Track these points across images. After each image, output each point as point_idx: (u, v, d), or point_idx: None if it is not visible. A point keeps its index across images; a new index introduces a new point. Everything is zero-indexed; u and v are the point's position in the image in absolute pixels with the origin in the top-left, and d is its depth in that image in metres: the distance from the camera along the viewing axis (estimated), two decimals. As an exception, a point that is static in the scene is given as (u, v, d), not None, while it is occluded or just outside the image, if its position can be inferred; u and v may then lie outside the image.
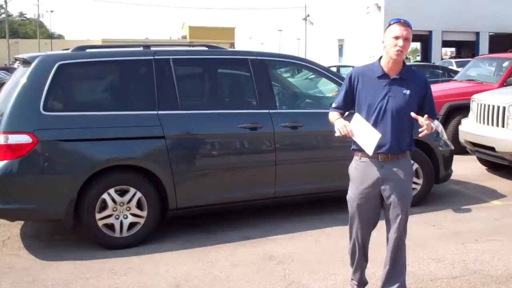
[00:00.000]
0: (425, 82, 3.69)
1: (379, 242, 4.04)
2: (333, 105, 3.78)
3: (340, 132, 3.54)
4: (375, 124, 3.55)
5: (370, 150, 3.52)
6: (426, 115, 3.50)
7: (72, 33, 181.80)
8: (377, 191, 3.65)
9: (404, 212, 3.64)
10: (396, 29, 3.48)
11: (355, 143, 3.63)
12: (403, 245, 3.74)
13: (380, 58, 3.65)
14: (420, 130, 3.47)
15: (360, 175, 3.67)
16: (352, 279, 4.03)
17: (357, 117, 3.58)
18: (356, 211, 3.72)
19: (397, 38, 3.46)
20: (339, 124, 3.58)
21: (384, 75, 3.57)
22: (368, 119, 3.56)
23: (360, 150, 3.62)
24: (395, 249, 3.70)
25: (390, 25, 3.56)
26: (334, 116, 3.72)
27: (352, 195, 3.72)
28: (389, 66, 3.56)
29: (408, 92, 3.56)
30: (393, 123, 3.54)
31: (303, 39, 50.55)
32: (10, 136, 4.80)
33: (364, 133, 3.54)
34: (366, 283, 3.99)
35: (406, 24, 3.49)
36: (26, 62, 5.28)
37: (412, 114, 3.52)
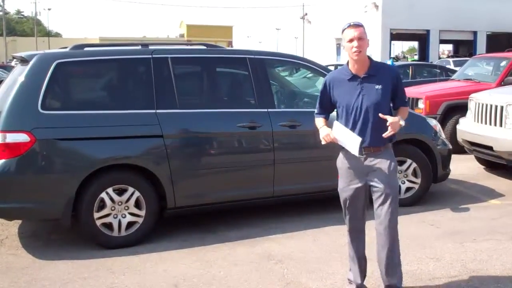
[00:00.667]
0: (395, 74, 3.89)
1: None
2: (316, 110, 4.04)
3: (325, 140, 3.79)
4: (355, 122, 3.77)
5: (355, 152, 3.71)
6: (392, 117, 3.68)
7: (69, 31, 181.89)
8: (363, 182, 3.83)
9: (393, 202, 3.76)
10: (349, 33, 3.71)
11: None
12: (397, 235, 3.82)
13: (348, 62, 3.85)
14: (384, 135, 3.67)
15: (346, 168, 3.88)
16: (350, 282, 4.10)
17: (336, 124, 3.81)
18: (346, 201, 3.91)
19: (351, 40, 3.68)
20: (322, 133, 3.84)
21: (354, 77, 3.78)
22: (348, 118, 3.79)
23: None
24: (391, 239, 3.78)
25: (343, 31, 3.76)
26: (319, 123, 3.98)
27: (342, 186, 3.93)
28: (356, 67, 3.78)
29: (380, 87, 3.75)
30: (371, 119, 3.74)
31: (301, 38, 50.54)
32: (8, 134, 4.78)
33: (346, 138, 3.74)
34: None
35: (357, 25, 3.72)
36: (24, 61, 5.27)
37: (380, 115, 3.69)
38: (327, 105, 3.95)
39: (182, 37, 72.36)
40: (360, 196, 3.87)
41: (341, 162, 3.92)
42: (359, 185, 3.83)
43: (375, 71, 3.79)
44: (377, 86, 3.75)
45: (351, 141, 3.70)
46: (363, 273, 4.05)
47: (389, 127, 3.64)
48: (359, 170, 3.82)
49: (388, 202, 3.75)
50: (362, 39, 3.68)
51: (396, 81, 3.84)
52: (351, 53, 3.71)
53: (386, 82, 3.77)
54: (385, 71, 3.85)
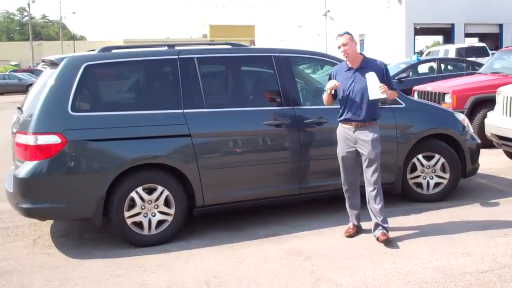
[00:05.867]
0: (380, 65, 5.08)
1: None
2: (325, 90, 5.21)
3: (330, 89, 5.02)
4: (347, 102, 5.03)
5: (372, 97, 4.85)
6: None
7: (94, 34, 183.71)
8: (354, 148, 5.10)
9: (374, 164, 5.01)
10: (337, 41, 5.05)
11: (340, 115, 5.12)
12: (380, 188, 5.07)
13: None
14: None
15: (342, 137, 5.17)
16: (350, 220, 5.34)
17: (371, 74, 4.86)
18: (342, 162, 5.21)
19: (339, 47, 5.03)
20: (329, 84, 5.03)
21: (350, 68, 5.10)
22: (343, 98, 5.07)
23: (342, 120, 5.11)
24: (376, 190, 5.03)
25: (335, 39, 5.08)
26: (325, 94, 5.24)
27: (339, 150, 5.22)
28: (350, 62, 5.09)
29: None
30: (359, 100, 4.99)
31: (324, 35, 50.29)
32: (39, 136, 4.88)
33: (374, 84, 4.84)
34: (360, 228, 5.31)
35: (342, 34, 5.03)
36: (53, 64, 5.36)
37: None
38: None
39: (205, 37, 72.68)
40: (351, 158, 5.14)
41: (339, 132, 5.21)
42: (350, 149, 5.11)
43: (366, 64, 5.05)
44: (365, 76, 4.91)
45: (374, 87, 4.83)
46: (358, 217, 5.31)
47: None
48: (350, 139, 5.09)
49: (371, 164, 5.01)
50: (345, 45, 4.97)
51: (382, 71, 5.02)
52: (341, 55, 5.08)
53: (374, 73, 4.89)
54: (374, 64, 5.08)
